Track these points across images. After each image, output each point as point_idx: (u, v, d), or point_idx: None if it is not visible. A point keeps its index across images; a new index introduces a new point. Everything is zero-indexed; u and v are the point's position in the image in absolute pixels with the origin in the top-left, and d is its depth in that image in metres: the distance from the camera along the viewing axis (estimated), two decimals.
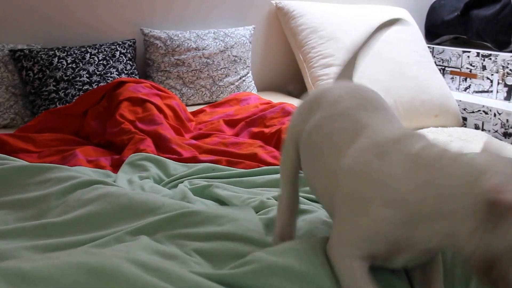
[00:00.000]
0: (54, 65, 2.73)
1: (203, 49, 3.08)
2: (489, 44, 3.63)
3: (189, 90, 3.05)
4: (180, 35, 3.07)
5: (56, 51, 2.78)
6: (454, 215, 0.92)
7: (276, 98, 3.05)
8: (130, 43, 3.02)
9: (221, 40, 3.16)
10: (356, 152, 1.08)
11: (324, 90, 1.30)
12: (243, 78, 3.21)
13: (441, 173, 0.96)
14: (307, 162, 1.24)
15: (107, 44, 2.95)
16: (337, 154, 1.12)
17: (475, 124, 3.38)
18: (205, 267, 1.17)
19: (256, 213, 1.55)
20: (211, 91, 3.10)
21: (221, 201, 1.69)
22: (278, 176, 1.84)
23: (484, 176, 0.90)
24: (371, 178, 1.03)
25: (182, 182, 1.85)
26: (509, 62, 3.39)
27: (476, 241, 0.91)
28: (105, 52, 2.89)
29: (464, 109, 3.44)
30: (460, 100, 3.46)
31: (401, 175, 0.99)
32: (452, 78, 3.77)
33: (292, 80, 3.62)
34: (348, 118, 1.17)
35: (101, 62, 2.85)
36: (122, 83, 2.51)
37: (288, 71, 3.62)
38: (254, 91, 3.23)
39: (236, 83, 3.17)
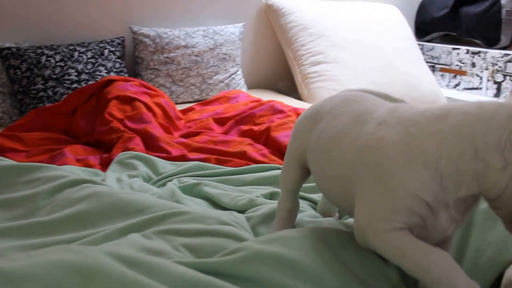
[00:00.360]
0: (42, 63, 2.72)
1: (193, 47, 3.07)
2: (478, 41, 3.64)
3: (178, 88, 3.04)
4: (169, 33, 3.06)
5: (44, 49, 2.77)
6: (481, 155, 0.93)
7: (266, 96, 3.05)
8: (119, 41, 3.01)
9: (211, 38, 3.15)
10: (370, 129, 1.07)
11: (324, 101, 1.30)
12: (233, 76, 3.20)
13: (459, 118, 0.96)
14: (319, 171, 1.23)
15: (96, 42, 2.94)
16: (350, 143, 1.10)
17: None
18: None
19: (245, 211, 1.55)
20: (201, 89, 3.09)
21: (210, 199, 1.69)
22: (267, 173, 1.85)
23: None
24: (388, 146, 1.01)
25: (171, 180, 1.85)
26: (498, 59, 3.40)
27: (505, 179, 0.92)
28: (93, 50, 2.88)
29: None
30: (450, 97, 3.48)
31: (418, 132, 0.99)
32: (442, 75, 3.79)
33: (282, 77, 3.62)
34: (349, 112, 1.17)
35: (90, 60, 2.83)
36: (111, 82, 2.50)
37: (278, 69, 3.62)
38: (244, 89, 3.23)
39: (226, 81, 3.16)
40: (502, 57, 3.39)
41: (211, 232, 1.26)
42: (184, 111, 2.71)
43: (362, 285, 1.04)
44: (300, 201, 1.49)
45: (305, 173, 1.34)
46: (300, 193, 1.53)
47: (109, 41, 2.98)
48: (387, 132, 1.03)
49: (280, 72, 3.62)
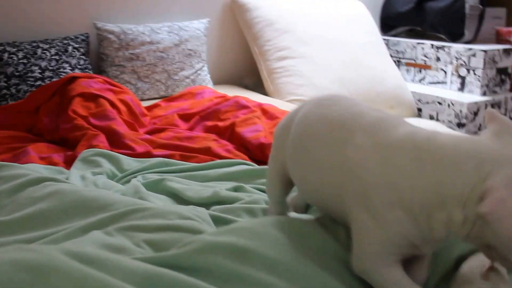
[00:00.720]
0: (4, 60, 2.68)
1: (158, 43, 3.06)
2: (443, 36, 3.68)
3: (144, 85, 3.02)
4: (134, 29, 3.05)
5: (6, 46, 2.73)
6: (446, 206, 0.94)
7: (233, 92, 3.05)
8: (83, 38, 2.99)
9: (176, 34, 3.14)
10: (354, 152, 1.06)
11: (298, 107, 1.30)
12: (199, 72, 3.20)
13: (439, 165, 0.96)
14: (301, 179, 1.23)
15: (59, 38, 2.91)
16: (333, 156, 1.10)
17: (430, 115, 3.43)
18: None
19: (209, 204, 1.58)
20: (167, 85, 3.08)
21: (175, 195, 1.69)
22: (231, 169, 1.86)
23: (482, 168, 0.91)
24: (373, 180, 1.02)
25: (135, 177, 1.85)
26: (462, 53, 3.44)
27: (465, 231, 0.93)
28: (57, 47, 2.85)
29: (419, 100, 3.49)
30: (415, 92, 3.51)
31: (394, 169, 1.00)
32: (407, 69, 3.83)
33: (248, 73, 3.62)
34: (324, 125, 1.16)
35: (54, 57, 2.81)
36: (75, 79, 2.48)
37: (244, 64, 3.62)
38: (210, 85, 3.22)
39: (192, 77, 3.16)
40: (466, 51, 3.43)
41: (172, 227, 1.26)
42: (149, 108, 2.70)
43: (320, 267, 1.06)
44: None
45: (289, 182, 1.33)
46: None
47: (73, 37, 2.95)
48: (368, 159, 1.03)
49: (246, 67, 3.62)
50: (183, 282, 0.96)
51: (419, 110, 3.48)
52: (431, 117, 3.41)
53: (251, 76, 3.60)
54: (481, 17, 3.60)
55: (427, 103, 3.44)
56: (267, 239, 1.09)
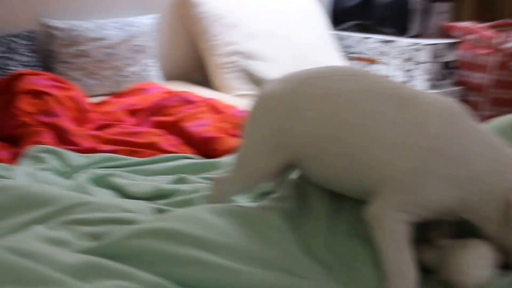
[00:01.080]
0: None
1: (105, 39, 3.05)
2: (389, 31, 3.75)
3: (92, 81, 3.02)
4: (81, 25, 3.03)
5: None
6: (482, 203, 1.12)
7: (182, 87, 3.06)
8: (29, 34, 2.96)
9: (124, 30, 3.13)
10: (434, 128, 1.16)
11: (296, 87, 1.28)
12: (148, 68, 3.20)
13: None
14: (324, 159, 1.25)
15: (5, 36, 2.89)
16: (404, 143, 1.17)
17: None
18: None
19: (153, 198, 1.62)
20: (115, 81, 3.08)
21: (119, 190, 1.71)
22: (175, 163, 1.90)
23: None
24: (428, 153, 1.14)
25: (81, 172, 1.86)
26: (408, 48, 3.51)
27: (495, 229, 1.12)
28: (3, 45, 2.82)
29: None
30: None
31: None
32: (355, 63, 3.88)
33: (198, 68, 3.63)
34: (376, 96, 1.22)
35: (0, 55, 2.78)
36: (21, 76, 2.47)
37: (194, 60, 3.63)
38: (159, 81, 3.23)
39: (141, 73, 3.16)
40: (411, 46, 3.50)
41: (113, 219, 1.30)
42: (97, 104, 2.70)
43: (247, 242, 1.13)
44: None
45: (278, 165, 1.31)
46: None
47: (19, 34, 2.92)
48: (445, 138, 1.16)
49: (196, 63, 3.63)
50: (112, 269, 1.00)
51: None
52: None
53: (200, 71, 3.61)
54: (426, 12, 3.67)
55: None
56: (194, 221, 1.15)
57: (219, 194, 1.38)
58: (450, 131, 1.15)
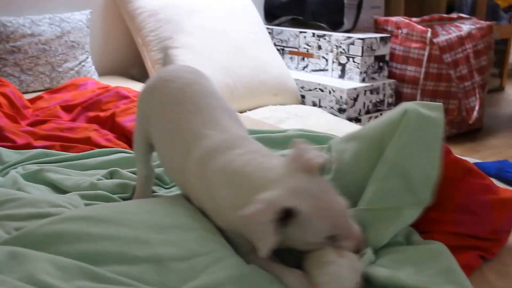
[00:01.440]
0: None
1: (39, 35, 3.04)
2: (323, 25, 3.82)
3: (28, 77, 3.00)
4: (13, 21, 3.01)
5: None
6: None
7: (119, 82, 3.08)
8: None
9: (57, 26, 3.13)
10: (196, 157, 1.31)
11: (162, 78, 1.52)
12: (83, 63, 3.20)
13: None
14: (161, 147, 1.47)
15: None
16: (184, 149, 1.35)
17: (313, 101, 3.56)
18: None
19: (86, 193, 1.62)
20: (51, 77, 3.07)
21: (54, 185, 1.73)
22: (109, 157, 1.93)
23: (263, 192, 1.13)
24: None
25: (15, 168, 1.86)
26: (342, 42, 3.59)
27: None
28: None
29: (302, 87, 3.61)
30: (298, 79, 3.63)
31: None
32: (291, 58, 3.95)
33: (134, 63, 3.64)
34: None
35: None
36: None
37: (130, 55, 3.64)
38: (95, 76, 3.24)
39: (76, 69, 3.16)
40: (345, 40, 3.58)
41: (43, 214, 1.32)
42: (32, 100, 2.69)
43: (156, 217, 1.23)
44: None
45: (150, 146, 1.56)
46: None
47: None
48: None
49: (132, 58, 3.64)
50: (31, 256, 1.06)
51: (303, 97, 3.61)
52: (314, 104, 3.55)
53: (137, 66, 3.63)
54: (359, 7, 3.76)
55: (310, 90, 3.58)
56: (110, 208, 1.25)
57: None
58: None
